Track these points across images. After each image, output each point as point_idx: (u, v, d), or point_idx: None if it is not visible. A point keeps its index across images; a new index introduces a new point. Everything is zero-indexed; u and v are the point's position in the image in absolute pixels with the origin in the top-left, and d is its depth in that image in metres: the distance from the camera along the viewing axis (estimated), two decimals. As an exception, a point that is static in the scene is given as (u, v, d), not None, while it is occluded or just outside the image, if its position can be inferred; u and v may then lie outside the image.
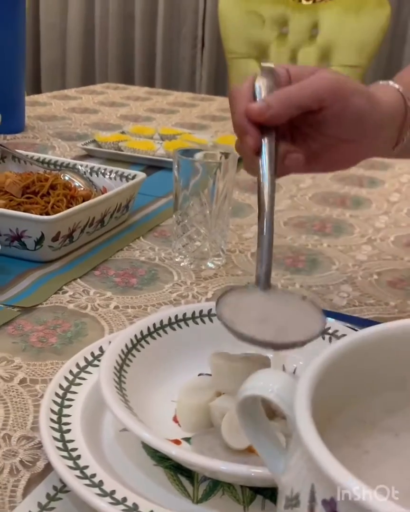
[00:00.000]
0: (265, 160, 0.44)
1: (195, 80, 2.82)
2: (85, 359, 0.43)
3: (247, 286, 0.42)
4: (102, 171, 0.79)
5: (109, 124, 1.31)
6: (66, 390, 0.40)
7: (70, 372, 0.41)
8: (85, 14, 2.92)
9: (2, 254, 0.58)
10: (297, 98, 0.46)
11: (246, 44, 2.07)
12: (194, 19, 2.75)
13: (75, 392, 0.40)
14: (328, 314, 0.56)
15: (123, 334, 0.42)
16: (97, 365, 0.42)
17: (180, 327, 0.45)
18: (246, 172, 0.50)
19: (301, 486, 0.20)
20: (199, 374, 0.43)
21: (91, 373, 0.42)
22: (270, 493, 0.35)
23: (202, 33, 2.74)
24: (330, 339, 0.44)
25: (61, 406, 0.38)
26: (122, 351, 0.40)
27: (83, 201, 0.70)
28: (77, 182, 0.77)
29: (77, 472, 0.33)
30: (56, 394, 0.39)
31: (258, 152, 0.45)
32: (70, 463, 0.34)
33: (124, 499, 0.32)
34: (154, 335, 0.44)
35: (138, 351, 0.41)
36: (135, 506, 0.32)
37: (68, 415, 0.38)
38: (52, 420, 0.37)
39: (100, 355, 0.43)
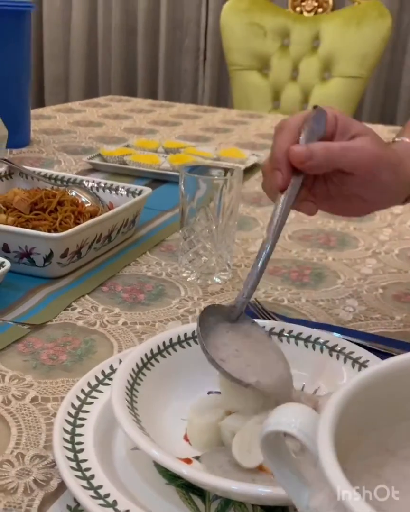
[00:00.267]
0: (283, 201, 0.47)
1: (198, 92, 2.83)
2: (96, 377, 0.43)
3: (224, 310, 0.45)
4: (109, 186, 0.80)
5: (113, 137, 1.33)
6: (78, 409, 0.40)
7: (82, 391, 0.42)
8: (88, 28, 2.94)
9: (11, 271, 0.59)
10: (338, 159, 0.47)
11: (248, 56, 2.09)
12: (196, 32, 2.77)
13: (87, 411, 0.40)
14: (335, 329, 0.57)
15: (134, 353, 0.42)
16: (108, 384, 0.43)
17: (189, 345, 0.46)
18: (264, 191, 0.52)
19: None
20: (209, 392, 0.44)
21: (102, 392, 0.42)
22: None
23: (204, 46, 2.76)
24: (344, 359, 0.45)
25: (74, 425, 0.39)
26: (133, 370, 0.41)
27: (91, 217, 0.71)
28: (84, 198, 0.78)
29: (92, 492, 0.34)
30: (69, 413, 0.40)
31: (282, 190, 0.48)
32: (84, 482, 0.34)
33: (138, 519, 0.33)
34: (164, 353, 0.44)
35: (149, 369, 0.42)
36: (149, 525, 0.32)
37: (81, 434, 0.38)
38: (65, 439, 0.37)
39: (111, 374, 0.44)
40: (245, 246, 0.78)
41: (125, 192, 0.79)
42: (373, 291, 0.67)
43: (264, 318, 0.57)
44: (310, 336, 0.46)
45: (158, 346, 0.44)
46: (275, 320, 0.56)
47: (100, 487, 0.34)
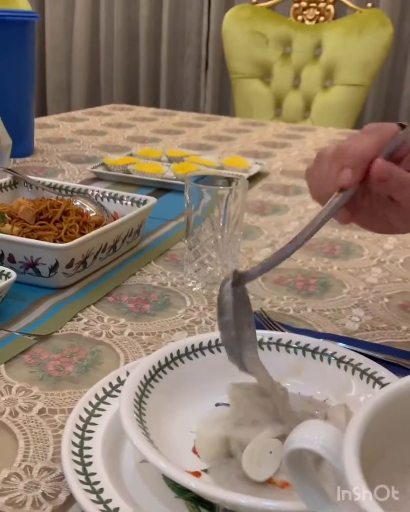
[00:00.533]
0: (335, 202, 0.47)
1: (200, 100, 2.84)
2: (104, 389, 0.43)
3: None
4: (113, 196, 0.80)
5: (117, 146, 1.33)
6: (87, 422, 0.40)
7: (90, 403, 0.42)
8: (90, 36, 2.96)
9: (16, 281, 0.59)
10: (404, 190, 0.47)
11: (250, 64, 2.10)
12: (198, 40, 2.78)
13: (95, 424, 0.40)
14: (341, 339, 0.56)
15: (142, 365, 0.42)
16: (115, 396, 0.43)
17: (196, 356, 0.45)
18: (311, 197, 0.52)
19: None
20: (216, 404, 0.44)
21: (110, 404, 0.42)
22: (290, 525, 0.35)
23: (206, 54, 2.78)
24: (352, 371, 0.45)
25: (82, 438, 0.39)
26: (141, 382, 0.41)
27: (96, 226, 0.71)
28: (89, 208, 0.78)
29: (101, 506, 0.34)
30: (77, 426, 0.40)
31: (340, 190, 0.47)
32: (94, 496, 0.34)
33: (148, 533, 0.32)
34: (172, 365, 0.44)
35: (156, 381, 0.42)
36: (159, 540, 0.32)
37: (89, 447, 0.38)
38: (74, 452, 0.37)
39: (118, 386, 0.44)
40: (249, 255, 0.78)
41: (130, 202, 0.79)
42: (379, 301, 0.67)
43: (270, 329, 0.57)
44: (317, 347, 0.46)
45: (165, 358, 0.44)
46: (281, 330, 0.56)
47: (109, 500, 0.34)
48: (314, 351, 0.46)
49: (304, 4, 2.11)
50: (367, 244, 0.84)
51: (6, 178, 0.82)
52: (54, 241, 0.66)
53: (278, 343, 0.47)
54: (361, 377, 0.44)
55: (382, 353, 0.53)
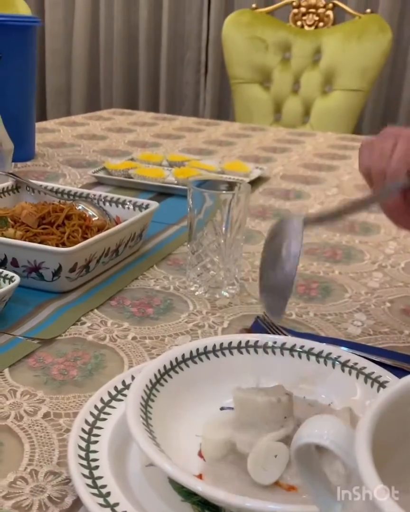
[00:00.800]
0: (387, 188, 0.51)
1: (199, 105, 2.85)
2: (109, 393, 0.43)
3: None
4: (115, 200, 0.80)
5: (117, 150, 1.33)
6: (92, 426, 0.40)
7: (95, 407, 0.42)
8: (89, 40, 2.97)
9: (19, 286, 0.59)
10: None
11: (249, 69, 2.11)
12: (198, 45, 2.79)
13: (101, 427, 0.40)
14: (344, 343, 0.57)
15: (147, 369, 0.43)
16: (121, 400, 0.43)
17: (201, 360, 0.46)
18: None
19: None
20: (221, 408, 0.44)
21: (115, 408, 0.42)
22: (296, 528, 0.35)
23: (205, 58, 2.79)
24: (357, 375, 0.45)
25: (88, 442, 0.39)
26: (147, 386, 0.41)
27: (98, 231, 0.71)
28: (91, 212, 0.78)
29: (108, 510, 0.34)
30: (83, 430, 0.40)
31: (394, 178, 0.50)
32: (101, 500, 0.34)
33: (155, 537, 0.33)
34: (177, 369, 0.44)
35: (162, 385, 0.42)
36: (166, 543, 0.32)
37: (96, 451, 0.38)
38: (80, 456, 0.37)
39: (123, 389, 0.44)
40: (251, 260, 0.78)
41: (132, 206, 0.79)
42: (381, 305, 0.67)
43: (273, 333, 0.57)
44: (322, 351, 0.46)
45: (170, 362, 0.44)
46: (285, 335, 0.57)
47: (116, 504, 0.34)
48: (318, 355, 0.46)
49: (303, 9, 2.12)
50: (368, 249, 0.84)
51: (9, 183, 0.82)
52: (57, 245, 0.67)
53: (282, 347, 0.47)
54: (366, 381, 0.44)
55: (385, 358, 0.53)
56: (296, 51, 2.10)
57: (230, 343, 0.47)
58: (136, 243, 0.76)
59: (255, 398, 0.40)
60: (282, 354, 0.47)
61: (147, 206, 0.78)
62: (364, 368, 0.45)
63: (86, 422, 0.40)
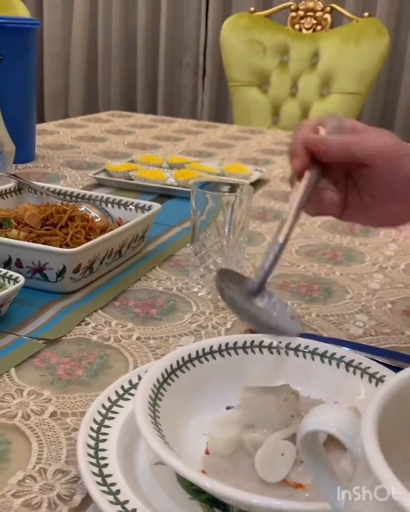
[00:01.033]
0: (303, 185, 0.51)
1: (197, 108, 2.86)
2: (116, 392, 0.44)
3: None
4: (117, 202, 0.81)
5: (117, 152, 1.34)
6: (100, 424, 0.41)
7: (103, 406, 0.42)
8: (88, 43, 2.97)
9: (24, 286, 0.59)
10: (353, 147, 0.50)
11: (247, 72, 2.11)
12: (196, 48, 2.80)
13: (109, 426, 0.41)
14: (347, 344, 0.57)
15: (154, 368, 0.43)
16: (127, 399, 0.43)
17: (207, 360, 0.46)
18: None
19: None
20: (227, 407, 0.44)
21: (122, 407, 0.43)
22: (304, 525, 0.36)
23: (203, 61, 2.79)
24: (361, 375, 0.45)
25: (97, 440, 0.39)
26: (154, 385, 0.41)
27: (101, 232, 0.72)
28: (94, 213, 0.78)
29: (119, 507, 0.34)
30: (91, 429, 0.40)
31: (300, 176, 0.52)
32: (111, 497, 0.35)
33: (165, 534, 0.33)
34: (183, 368, 0.44)
35: (169, 385, 0.42)
36: (176, 540, 0.33)
37: (104, 449, 0.39)
38: (89, 454, 0.38)
39: (130, 388, 0.44)
40: (252, 261, 0.78)
41: (134, 208, 0.80)
42: (382, 306, 0.68)
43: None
44: (326, 351, 0.47)
45: (177, 361, 0.44)
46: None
47: (126, 502, 0.35)
48: (323, 355, 0.47)
49: (301, 13, 2.13)
50: (368, 251, 0.85)
51: (11, 184, 0.83)
52: (61, 247, 0.67)
53: (287, 347, 0.47)
54: (370, 381, 0.44)
55: (388, 358, 0.54)
56: (294, 54, 2.11)
57: (236, 343, 0.47)
58: (138, 244, 0.76)
59: (262, 397, 0.40)
60: (287, 354, 0.47)
61: (149, 208, 0.78)
62: (368, 368, 0.45)
63: (95, 420, 0.41)
